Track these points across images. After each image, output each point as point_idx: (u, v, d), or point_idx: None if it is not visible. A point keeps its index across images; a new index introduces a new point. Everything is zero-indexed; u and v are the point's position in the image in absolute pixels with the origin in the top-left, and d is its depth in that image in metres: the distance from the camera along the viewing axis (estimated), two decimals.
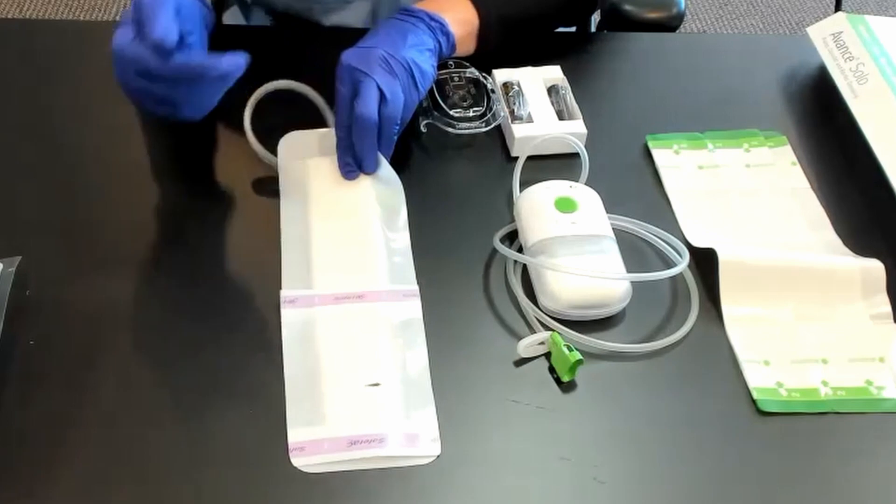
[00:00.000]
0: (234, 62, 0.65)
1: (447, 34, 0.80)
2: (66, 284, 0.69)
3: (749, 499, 0.60)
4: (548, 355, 0.67)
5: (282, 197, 0.76)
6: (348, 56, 0.73)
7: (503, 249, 0.70)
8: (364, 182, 0.74)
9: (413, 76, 0.74)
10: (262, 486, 0.59)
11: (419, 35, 0.77)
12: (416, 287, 0.70)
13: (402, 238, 0.74)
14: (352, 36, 0.73)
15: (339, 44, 0.73)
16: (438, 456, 0.61)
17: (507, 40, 0.86)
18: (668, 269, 0.69)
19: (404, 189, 0.76)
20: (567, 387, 0.65)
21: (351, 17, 0.97)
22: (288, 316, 0.67)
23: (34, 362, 0.64)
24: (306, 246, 0.71)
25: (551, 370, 0.66)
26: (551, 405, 0.64)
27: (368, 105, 0.70)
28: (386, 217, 0.74)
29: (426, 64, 0.75)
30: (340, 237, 0.72)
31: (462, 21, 0.82)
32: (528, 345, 0.66)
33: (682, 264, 0.70)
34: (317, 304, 0.67)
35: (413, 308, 0.68)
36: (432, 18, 0.79)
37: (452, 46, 0.81)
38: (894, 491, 0.61)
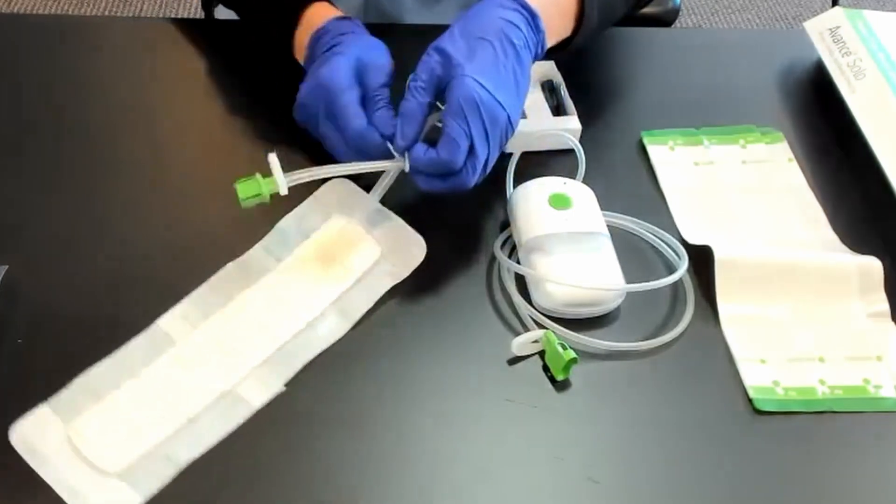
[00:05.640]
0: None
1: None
2: (57, 283, 0.68)
3: (745, 498, 0.60)
4: (542, 354, 0.66)
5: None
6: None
7: (504, 259, 0.70)
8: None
9: None
10: (262, 486, 0.58)
11: None
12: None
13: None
14: None
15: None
16: (433, 455, 0.60)
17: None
18: (664, 265, 0.68)
19: (398, 186, 0.75)
20: (561, 385, 0.65)
21: None
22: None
23: (24, 361, 0.64)
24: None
25: (545, 369, 0.65)
26: (545, 404, 0.64)
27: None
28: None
29: None
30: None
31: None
32: (521, 343, 0.65)
33: (681, 270, 0.69)
34: None
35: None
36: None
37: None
38: (892, 490, 0.61)
